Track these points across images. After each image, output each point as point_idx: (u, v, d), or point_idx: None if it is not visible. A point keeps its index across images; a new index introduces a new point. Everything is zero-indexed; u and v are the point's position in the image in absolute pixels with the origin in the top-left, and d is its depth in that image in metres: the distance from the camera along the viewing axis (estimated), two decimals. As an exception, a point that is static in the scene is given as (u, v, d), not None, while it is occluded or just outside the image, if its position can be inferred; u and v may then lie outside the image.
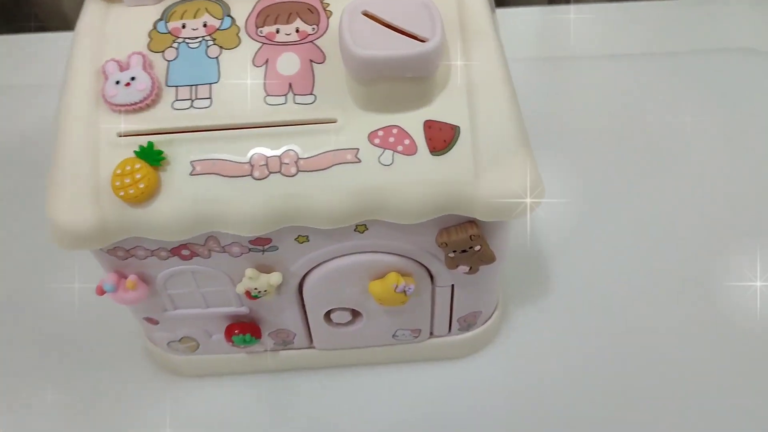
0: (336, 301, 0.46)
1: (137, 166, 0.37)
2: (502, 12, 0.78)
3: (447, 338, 0.52)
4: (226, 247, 0.41)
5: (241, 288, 0.43)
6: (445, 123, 0.39)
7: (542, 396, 0.52)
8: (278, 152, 0.38)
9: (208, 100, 0.39)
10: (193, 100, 0.39)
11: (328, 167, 0.38)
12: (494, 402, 0.52)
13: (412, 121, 0.39)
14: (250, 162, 0.38)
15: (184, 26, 0.40)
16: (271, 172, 0.38)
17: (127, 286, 0.42)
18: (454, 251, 0.41)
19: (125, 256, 0.41)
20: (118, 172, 0.37)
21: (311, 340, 0.51)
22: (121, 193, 0.37)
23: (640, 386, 0.52)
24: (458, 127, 0.39)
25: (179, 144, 0.38)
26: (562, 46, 0.79)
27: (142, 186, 0.37)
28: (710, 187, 0.63)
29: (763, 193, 0.63)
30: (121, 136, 0.39)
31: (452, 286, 0.46)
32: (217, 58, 0.40)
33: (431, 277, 0.45)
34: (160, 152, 0.38)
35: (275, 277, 0.43)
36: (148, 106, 0.39)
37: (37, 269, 0.59)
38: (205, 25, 0.40)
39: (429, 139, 0.39)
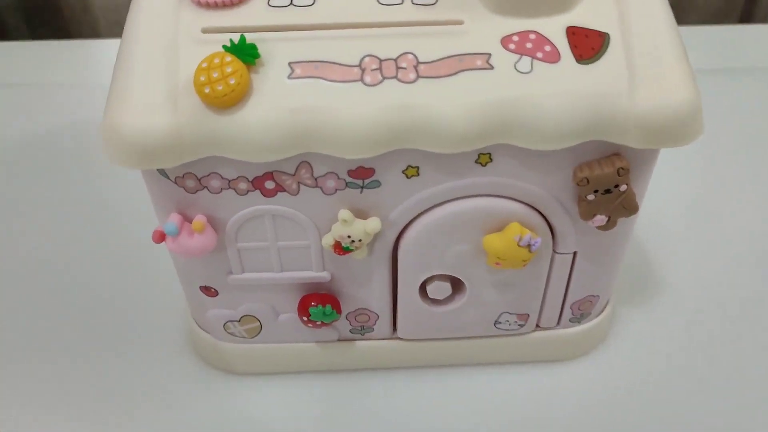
0: (438, 265, 0.38)
1: (228, 59, 0.31)
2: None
3: (554, 332, 0.43)
4: (319, 180, 0.34)
5: (329, 238, 0.36)
6: (592, 30, 0.33)
7: (656, 410, 0.43)
8: (394, 55, 0.32)
9: (311, -2, 0.33)
10: (292, -2, 0.33)
11: (454, 73, 0.32)
12: (603, 414, 0.43)
13: (552, 27, 0.33)
14: (360, 65, 0.32)
15: None
16: (385, 78, 0.32)
17: (194, 227, 0.35)
18: (596, 191, 0.34)
19: (195, 188, 0.34)
20: (204, 65, 0.31)
21: (395, 327, 0.43)
22: (206, 90, 0.30)
23: (757, 397, 0.44)
24: (607, 34, 0.33)
25: (276, 43, 0.32)
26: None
27: (232, 82, 0.30)
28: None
29: None
30: (206, 32, 0.32)
31: (574, 254, 0.39)
32: (320, -45, 0.34)
33: (553, 239, 0.38)
34: (254, 47, 0.31)
35: (373, 224, 0.35)
36: (240, 1, 0.33)
37: (73, 243, 0.52)
38: None
39: (574, 47, 0.32)
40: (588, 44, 0.32)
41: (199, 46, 0.32)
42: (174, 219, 0.35)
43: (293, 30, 0.32)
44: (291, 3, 0.33)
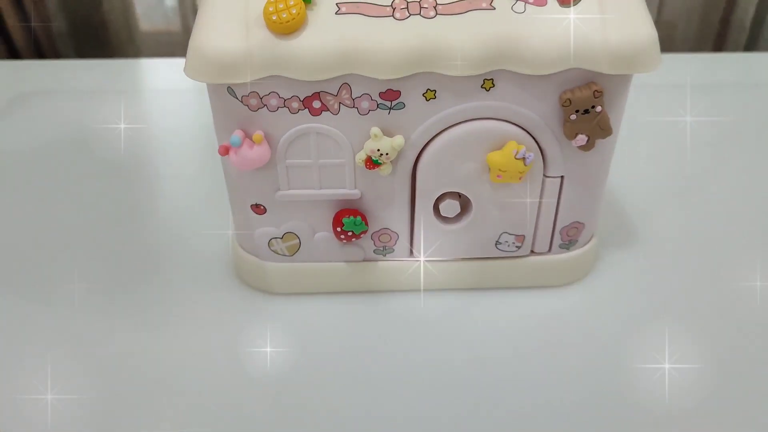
0: (449, 182, 0.46)
1: (290, -5, 0.40)
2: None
3: (546, 257, 0.51)
4: (356, 101, 0.43)
5: (362, 154, 0.44)
6: (572, -17, 0.42)
7: (637, 336, 0.50)
8: (418, -2, 0.41)
9: (352, -43, 0.43)
10: (338, -43, 0.43)
11: (464, 12, 0.41)
12: (592, 336, 0.50)
13: (541, -18, 0.42)
14: (391, 5, 0.41)
15: None
16: (411, 14, 0.41)
17: (254, 139, 0.43)
18: (577, 111, 0.43)
19: (257, 106, 0.43)
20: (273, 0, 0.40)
21: (411, 250, 0.50)
22: (273, 17, 0.40)
23: (731, 335, 0.51)
24: (584, -14, 0.42)
25: (325, -12, 0.41)
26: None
27: (294, 11, 0.40)
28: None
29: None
30: (271, -19, 0.42)
31: (561, 179, 0.47)
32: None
33: (543, 164, 0.46)
34: (310, -12, 0.41)
35: (398, 140, 0.44)
36: (298, -42, 0.42)
37: (128, 192, 0.62)
38: None
39: (557, -4, 0.42)
40: (569, -6, 0.42)
41: (266, -10, 0.41)
42: (238, 133, 0.43)
43: (339, -20, 0.42)
44: (337, -39, 0.43)
